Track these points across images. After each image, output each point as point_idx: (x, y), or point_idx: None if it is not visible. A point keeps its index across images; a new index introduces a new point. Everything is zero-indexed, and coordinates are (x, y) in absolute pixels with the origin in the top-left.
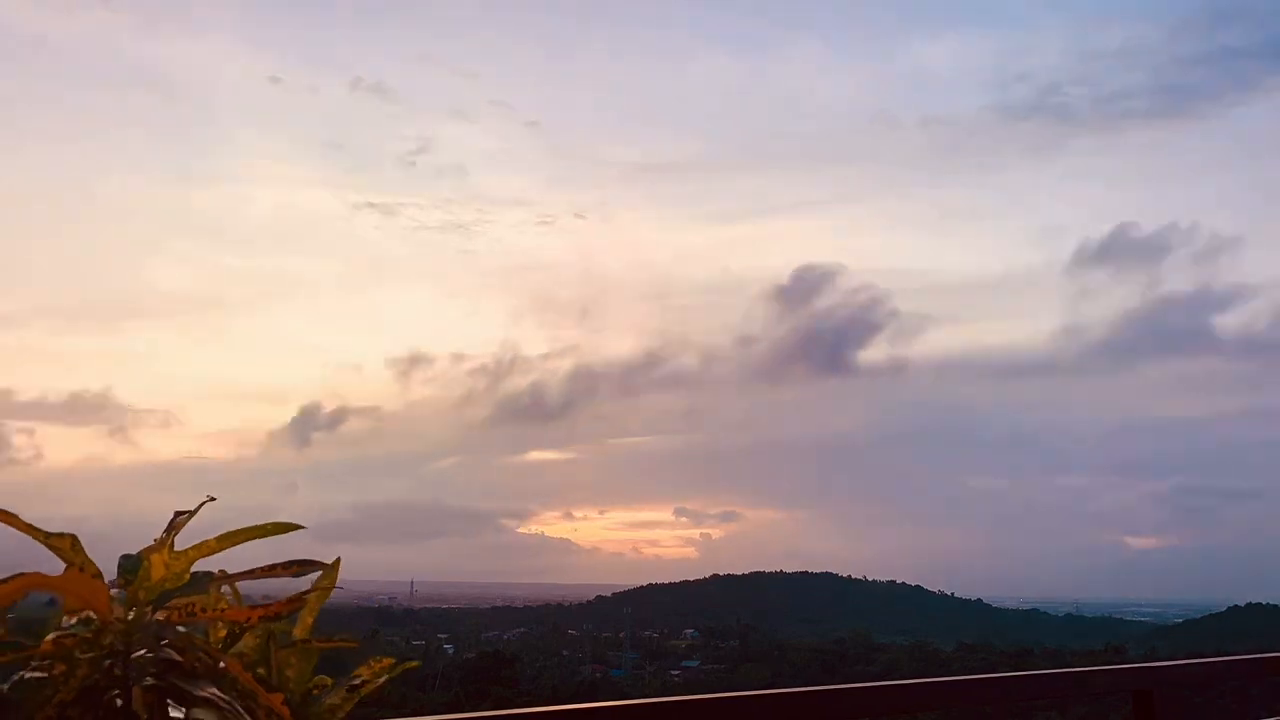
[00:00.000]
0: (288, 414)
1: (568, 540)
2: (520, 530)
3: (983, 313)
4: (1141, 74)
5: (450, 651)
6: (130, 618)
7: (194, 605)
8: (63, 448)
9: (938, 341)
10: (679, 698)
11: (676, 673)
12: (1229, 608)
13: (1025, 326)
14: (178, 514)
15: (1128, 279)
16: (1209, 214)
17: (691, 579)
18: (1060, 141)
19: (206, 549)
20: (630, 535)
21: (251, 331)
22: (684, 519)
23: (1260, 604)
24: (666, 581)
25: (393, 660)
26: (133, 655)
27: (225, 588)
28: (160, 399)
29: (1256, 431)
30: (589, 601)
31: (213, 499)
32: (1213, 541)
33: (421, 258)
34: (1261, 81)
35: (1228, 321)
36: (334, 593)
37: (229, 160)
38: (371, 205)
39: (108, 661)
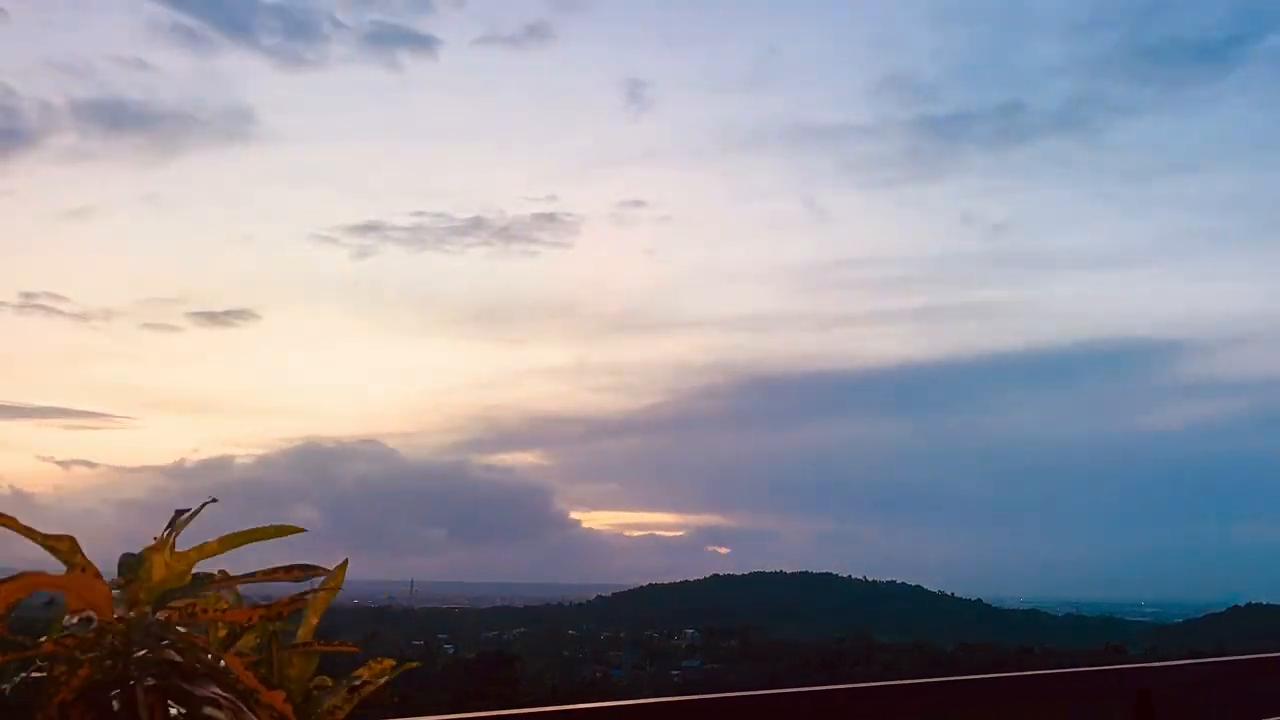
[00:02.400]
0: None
1: (569, 540)
2: (523, 530)
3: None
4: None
5: (450, 651)
6: (131, 617)
7: (194, 605)
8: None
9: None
10: (679, 698)
11: (676, 673)
12: (1229, 608)
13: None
14: (178, 513)
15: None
16: None
17: (691, 579)
18: None
19: (208, 550)
20: (630, 535)
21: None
22: (685, 519)
23: (1260, 604)
24: (666, 581)
25: (393, 662)
26: (133, 655)
27: (226, 589)
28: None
29: (1258, 432)
30: (589, 601)
31: (214, 500)
32: (1213, 541)
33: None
34: None
35: None
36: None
37: None
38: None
39: (109, 661)
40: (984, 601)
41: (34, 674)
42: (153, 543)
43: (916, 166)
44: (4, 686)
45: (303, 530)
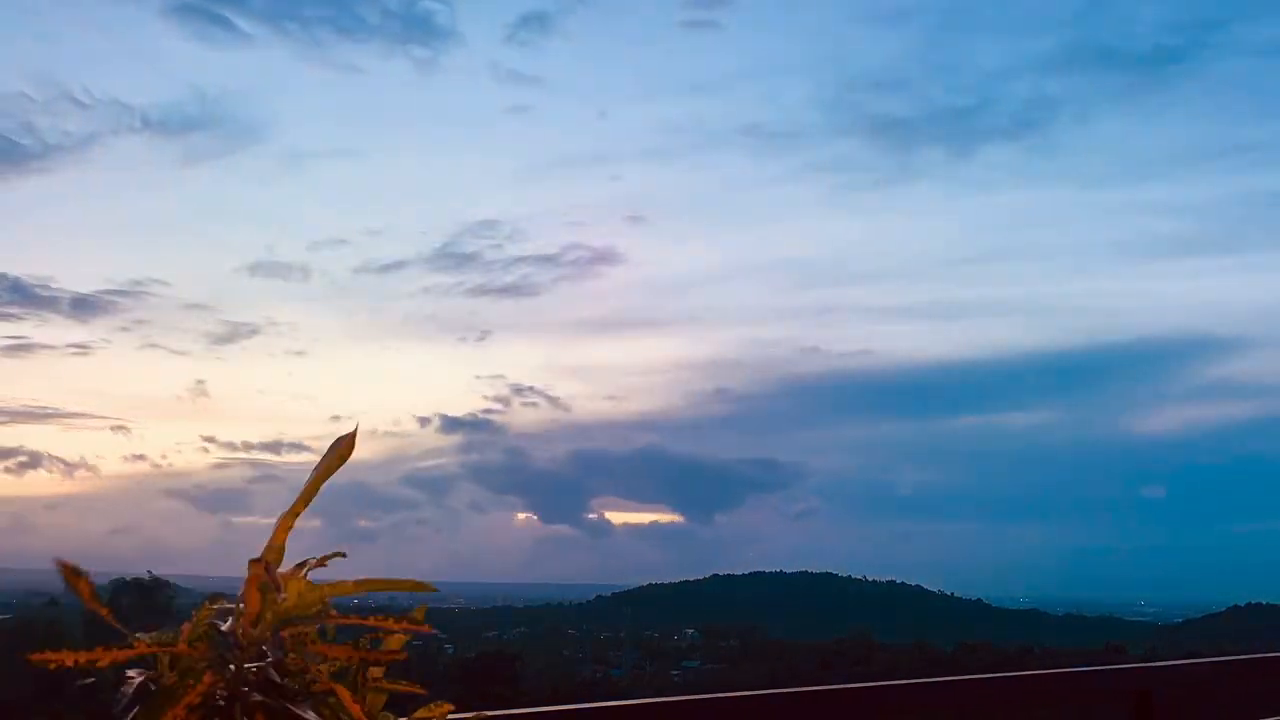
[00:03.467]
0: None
1: (568, 540)
2: (522, 530)
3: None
4: None
5: (450, 651)
6: (256, 635)
7: (306, 635)
8: None
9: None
10: (679, 698)
11: (677, 673)
12: (1229, 608)
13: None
14: (325, 556)
15: None
16: None
17: (691, 579)
18: None
19: (343, 589)
20: (631, 535)
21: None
22: (683, 518)
23: (1260, 604)
24: (666, 581)
25: (451, 707)
26: (246, 670)
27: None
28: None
29: (1259, 433)
30: (589, 601)
31: (343, 554)
32: (1213, 541)
33: None
34: None
35: None
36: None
37: None
38: None
39: (230, 672)
40: (984, 601)
41: (154, 678)
42: (294, 569)
43: (880, 170)
44: (143, 676)
45: (437, 590)
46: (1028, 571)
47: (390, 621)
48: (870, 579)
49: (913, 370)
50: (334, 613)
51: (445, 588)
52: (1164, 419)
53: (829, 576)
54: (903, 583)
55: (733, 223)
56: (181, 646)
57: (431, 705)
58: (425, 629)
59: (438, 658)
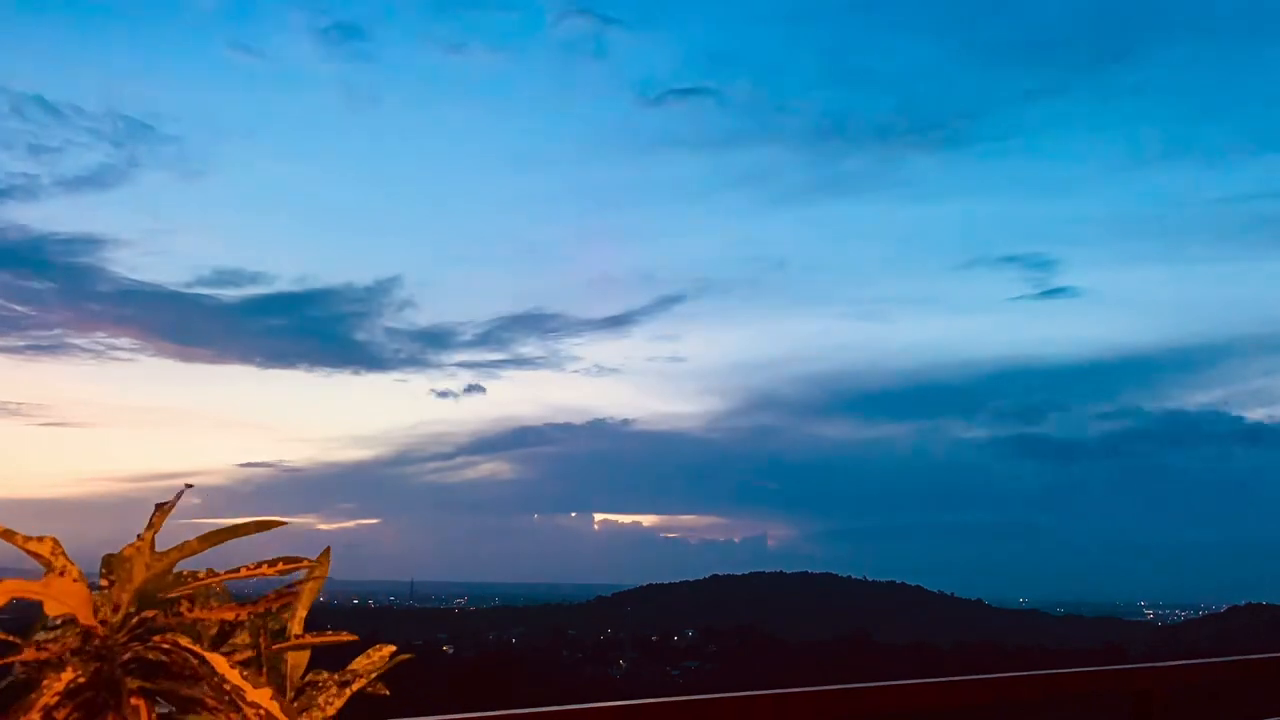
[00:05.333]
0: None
1: (568, 540)
2: (522, 530)
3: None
4: None
5: (450, 652)
6: (114, 619)
7: (180, 605)
8: None
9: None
10: (679, 698)
11: (677, 673)
12: (1229, 608)
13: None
14: (157, 507)
15: None
16: None
17: (691, 579)
18: None
19: (189, 549)
20: (631, 535)
21: None
22: (683, 518)
23: (1260, 604)
24: (666, 581)
25: (393, 648)
26: (119, 657)
27: (215, 586)
28: None
29: (1257, 430)
30: (589, 601)
31: (190, 486)
32: (1213, 541)
33: None
34: None
35: None
36: (334, 592)
37: None
38: None
39: (95, 664)
40: (984, 601)
41: (18, 677)
42: (135, 541)
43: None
44: None
45: (284, 523)
46: (1028, 571)
47: (264, 568)
48: (870, 579)
49: (916, 369)
50: (202, 574)
51: (445, 588)
52: (1159, 421)
53: (829, 576)
54: (903, 583)
55: (662, 230)
56: (28, 651)
57: (370, 650)
58: (303, 564)
59: (438, 658)
